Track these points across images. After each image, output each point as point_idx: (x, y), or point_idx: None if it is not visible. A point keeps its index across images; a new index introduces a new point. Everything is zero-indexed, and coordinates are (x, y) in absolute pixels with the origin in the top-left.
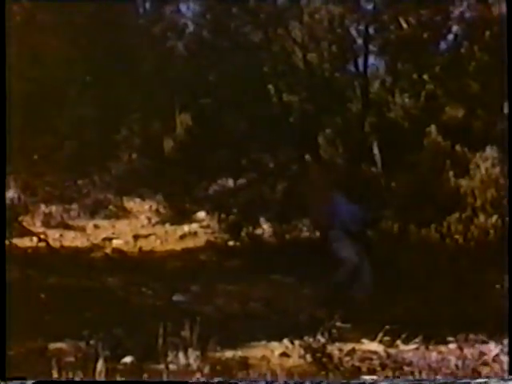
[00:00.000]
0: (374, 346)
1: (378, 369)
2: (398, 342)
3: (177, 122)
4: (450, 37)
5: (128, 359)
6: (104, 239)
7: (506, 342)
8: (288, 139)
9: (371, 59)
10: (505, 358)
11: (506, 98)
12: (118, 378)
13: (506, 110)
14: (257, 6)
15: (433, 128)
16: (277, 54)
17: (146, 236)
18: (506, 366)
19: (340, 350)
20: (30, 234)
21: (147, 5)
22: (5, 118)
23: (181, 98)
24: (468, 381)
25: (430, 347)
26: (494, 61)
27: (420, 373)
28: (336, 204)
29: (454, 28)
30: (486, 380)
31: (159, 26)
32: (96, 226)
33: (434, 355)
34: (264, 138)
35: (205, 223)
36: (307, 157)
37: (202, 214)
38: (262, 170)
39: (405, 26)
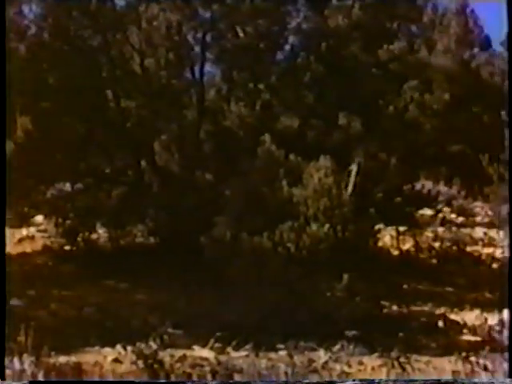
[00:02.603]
0: (205, 352)
1: (209, 376)
2: (229, 348)
3: (17, 124)
4: (287, 47)
5: None
6: None
7: (335, 349)
8: (124, 145)
9: (208, 67)
10: (334, 365)
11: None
12: None
13: (340, 121)
14: (96, 10)
15: (267, 137)
16: (115, 59)
17: None
18: (334, 373)
19: (171, 356)
20: None
21: None
22: None
23: (21, 101)
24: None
25: (260, 354)
26: (329, 72)
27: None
28: None
29: (291, 39)
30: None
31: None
32: None
33: (263, 362)
34: (101, 143)
35: (42, 227)
36: (143, 163)
37: (39, 218)
38: (98, 175)
39: (241, 35)
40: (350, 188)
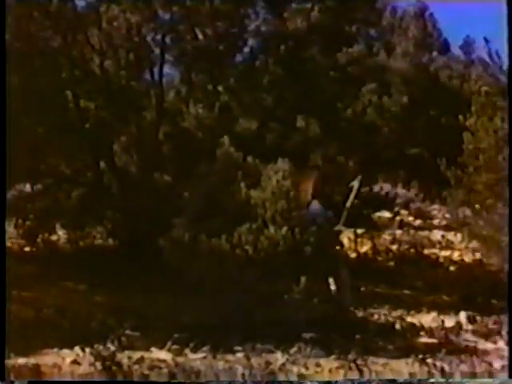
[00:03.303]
0: (163, 354)
1: (167, 377)
2: (187, 350)
3: None
4: (246, 49)
5: None
6: None
7: (292, 351)
8: (84, 146)
9: (167, 69)
10: (291, 367)
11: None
12: None
13: (299, 124)
14: (57, 10)
15: (225, 139)
16: (75, 60)
17: None
18: (291, 375)
19: (129, 358)
20: None
21: None
22: None
23: None
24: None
25: (218, 356)
26: (288, 74)
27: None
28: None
29: (250, 41)
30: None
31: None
32: None
33: (221, 364)
34: (60, 144)
35: None
36: (102, 164)
37: None
38: (58, 176)
39: (201, 37)
40: (348, 204)
